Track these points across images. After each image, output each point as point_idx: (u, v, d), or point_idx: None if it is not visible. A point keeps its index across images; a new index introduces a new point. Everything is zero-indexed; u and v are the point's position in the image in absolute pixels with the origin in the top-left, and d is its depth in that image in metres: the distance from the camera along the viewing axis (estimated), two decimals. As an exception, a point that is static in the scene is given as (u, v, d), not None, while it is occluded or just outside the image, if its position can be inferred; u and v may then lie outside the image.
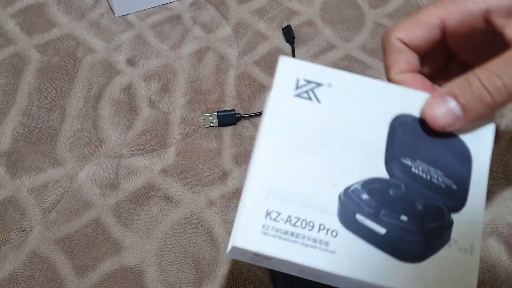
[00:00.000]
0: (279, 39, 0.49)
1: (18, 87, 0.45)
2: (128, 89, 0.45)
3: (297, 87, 0.25)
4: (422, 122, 0.25)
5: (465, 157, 0.24)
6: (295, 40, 0.49)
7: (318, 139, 0.24)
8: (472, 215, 0.23)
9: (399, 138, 0.24)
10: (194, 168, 0.42)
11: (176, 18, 0.49)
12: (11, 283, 0.37)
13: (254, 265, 0.38)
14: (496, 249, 0.39)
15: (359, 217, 0.23)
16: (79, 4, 0.50)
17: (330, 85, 0.25)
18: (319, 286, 0.29)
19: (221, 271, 0.38)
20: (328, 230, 0.22)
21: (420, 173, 0.24)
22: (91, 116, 0.44)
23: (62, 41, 0.47)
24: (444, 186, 0.24)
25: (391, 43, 0.26)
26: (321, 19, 0.50)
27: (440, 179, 0.24)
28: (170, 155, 0.42)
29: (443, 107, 0.23)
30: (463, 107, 0.23)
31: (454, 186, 0.24)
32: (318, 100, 0.25)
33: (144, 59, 0.47)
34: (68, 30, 0.48)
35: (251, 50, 0.48)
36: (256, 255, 0.22)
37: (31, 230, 0.39)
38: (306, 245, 0.22)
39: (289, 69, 0.25)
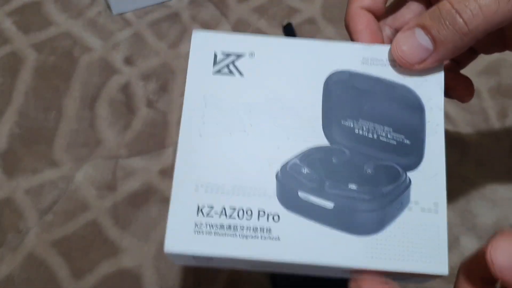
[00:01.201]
0: (279, 37, 0.48)
1: (14, 86, 0.45)
2: (126, 88, 0.45)
3: (216, 63, 0.22)
4: (360, 77, 0.22)
5: (415, 107, 0.21)
6: (296, 38, 0.48)
7: (245, 117, 0.21)
8: (432, 170, 0.21)
9: (335, 98, 0.22)
10: (192, 169, 0.41)
11: (174, 16, 0.48)
12: (8, 286, 0.37)
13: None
14: (500, 251, 0.39)
15: (301, 194, 0.20)
16: (76, 2, 0.49)
17: (252, 54, 0.22)
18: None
19: (220, 275, 0.37)
20: (268, 215, 0.20)
21: (365, 133, 0.21)
22: (88, 116, 0.43)
23: (58, 40, 0.47)
24: (395, 142, 0.21)
25: None
26: (323, 17, 0.49)
27: (389, 136, 0.21)
28: (168, 156, 0.42)
29: (411, 40, 0.21)
30: (434, 38, 0.20)
31: (407, 141, 0.21)
32: (240, 73, 0.22)
33: (142, 58, 0.46)
34: (64, 28, 0.47)
35: (250, 48, 0.47)
36: (195, 257, 0.20)
37: (27, 232, 0.39)
38: (246, 236, 0.20)
39: (205, 44, 0.22)
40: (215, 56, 0.22)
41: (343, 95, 0.22)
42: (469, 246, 0.39)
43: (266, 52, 0.22)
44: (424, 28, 0.20)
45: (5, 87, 0.45)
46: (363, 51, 0.23)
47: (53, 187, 0.40)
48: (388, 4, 0.26)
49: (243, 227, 0.20)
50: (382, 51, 0.23)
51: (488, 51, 0.28)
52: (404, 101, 0.22)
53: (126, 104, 0.44)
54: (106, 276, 0.37)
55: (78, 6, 0.49)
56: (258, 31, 0.48)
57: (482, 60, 0.46)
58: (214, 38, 0.23)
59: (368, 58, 0.22)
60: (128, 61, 0.46)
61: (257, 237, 0.20)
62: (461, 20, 0.19)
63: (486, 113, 0.44)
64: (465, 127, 0.43)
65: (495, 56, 0.28)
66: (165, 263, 0.38)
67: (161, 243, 0.38)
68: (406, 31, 0.21)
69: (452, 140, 0.43)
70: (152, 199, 0.40)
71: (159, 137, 0.43)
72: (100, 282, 0.37)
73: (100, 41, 0.47)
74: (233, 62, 0.22)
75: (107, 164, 0.41)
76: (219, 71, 0.22)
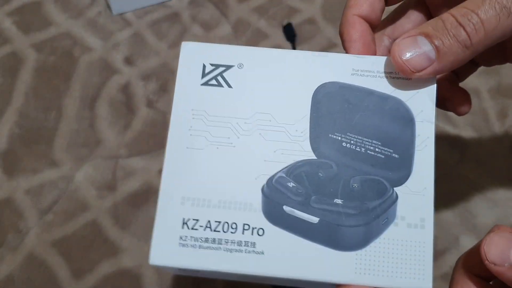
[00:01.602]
0: (280, 37, 0.48)
1: (14, 86, 0.45)
2: (126, 88, 0.45)
3: (204, 74, 0.22)
4: (350, 89, 0.22)
5: (406, 119, 0.21)
6: (297, 38, 0.48)
7: (233, 130, 0.21)
8: (420, 185, 0.21)
9: (324, 111, 0.22)
10: (192, 169, 0.41)
11: (174, 16, 0.48)
12: (8, 286, 0.37)
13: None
14: (500, 251, 0.39)
15: (286, 208, 0.20)
16: (76, 3, 0.49)
17: (241, 65, 0.22)
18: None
19: (220, 274, 0.37)
20: (253, 229, 0.20)
21: (353, 147, 0.21)
22: (88, 116, 0.43)
23: (58, 40, 0.47)
24: (383, 157, 0.21)
25: None
26: (323, 17, 0.49)
27: (377, 149, 0.21)
28: (168, 156, 0.42)
29: (414, 48, 0.20)
30: (437, 48, 0.20)
31: (395, 155, 0.21)
32: (228, 85, 0.22)
33: (142, 58, 0.46)
34: (65, 28, 0.47)
35: (250, 48, 0.47)
36: (180, 269, 0.20)
37: (27, 232, 0.39)
38: (231, 250, 0.20)
39: (193, 55, 0.22)
40: (204, 67, 0.22)
41: (332, 107, 0.22)
42: (469, 246, 0.39)
43: (255, 63, 0.22)
44: (427, 36, 0.20)
45: (5, 87, 0.45)
46: (353, 62, 0.22)
47: (53, 187, 0.40)
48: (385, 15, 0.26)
49: (227, 240, 0.20)
50: (373, 62, 0.22)
51: (489, 64, 0.28)
52: (394, 113, 0.21)
53: (126, 104, 0.44)
54: (106, 276, 0.37)
55: (78, 6, 0.49)
56: (258, 31, 0.48)
57: (482, 60, 0.46)
58: (203, 49, 0.22)
59: (358, 70, 0.22)
60: (128, 61, 0.46)
61: (241, 251, 0.20)
62: (464, 33, 0.20)
63: (486, 113, 0.44)
64: (465, 127, 0.43)
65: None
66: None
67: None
68: (408, 38, 0.21)
69: (452, 140, 0.43)
70: (152, 199, 0.40)
71: (159, 137, 0.43)
72: (100, 282, 0.37)
73: (100, 41, 0.47)
74: (221, 74, 0.22)
75: (107, 164, 0.41)
76: (207, 83, 0.22)
